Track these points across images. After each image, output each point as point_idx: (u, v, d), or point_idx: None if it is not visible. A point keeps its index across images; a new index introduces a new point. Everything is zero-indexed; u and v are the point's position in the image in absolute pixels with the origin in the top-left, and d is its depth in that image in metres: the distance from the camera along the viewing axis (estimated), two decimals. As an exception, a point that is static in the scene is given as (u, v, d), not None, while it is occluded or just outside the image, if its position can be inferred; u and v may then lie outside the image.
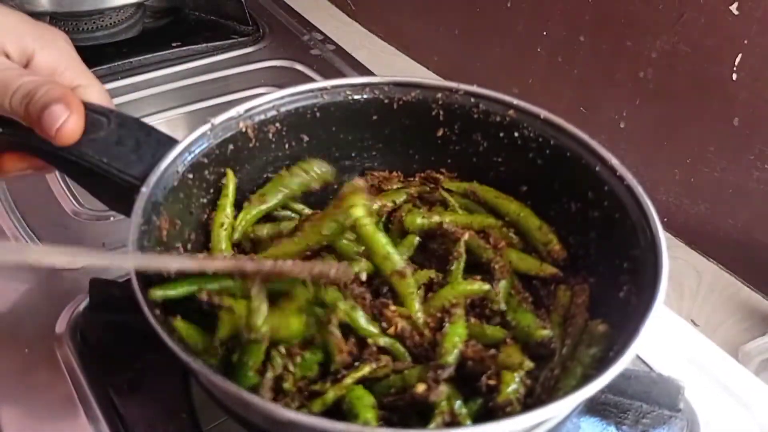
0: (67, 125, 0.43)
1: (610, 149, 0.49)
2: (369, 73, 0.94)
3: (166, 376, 0.53)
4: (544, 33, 0.84)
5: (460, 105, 0.55)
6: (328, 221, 0.48)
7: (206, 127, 0.50)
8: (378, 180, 0.59)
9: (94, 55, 0.87)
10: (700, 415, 0.54)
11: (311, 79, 0.92)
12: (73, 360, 0.55)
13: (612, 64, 0.78)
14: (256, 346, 0.43)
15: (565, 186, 0.52)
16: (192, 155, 0.49)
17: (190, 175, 0.49)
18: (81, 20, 0.93)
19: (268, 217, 0.55)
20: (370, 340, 0.45)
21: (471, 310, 0.49)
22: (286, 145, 0.56)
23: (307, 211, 0.56)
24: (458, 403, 0.41)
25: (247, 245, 0.53)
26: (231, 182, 0.52)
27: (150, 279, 0.41)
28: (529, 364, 0.43)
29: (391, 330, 0.45)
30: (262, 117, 0.53)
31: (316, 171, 0.55)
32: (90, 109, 0.46)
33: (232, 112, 0.52)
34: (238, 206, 0.53)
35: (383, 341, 0.45)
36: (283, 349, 0.43)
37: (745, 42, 0.65)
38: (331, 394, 0.41)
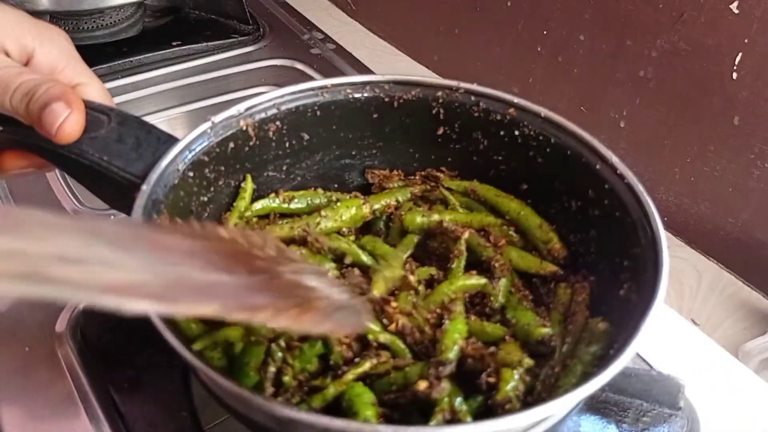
0: (67, 123, 0.43)
1: (610, 148, 0.49)
2: (369, 71, 0.94)
3: (166, 375, 0.53)
4: (544, 32, 0.84)
5: (461, 103, 0.55)
6: None
7: (207, 126, 0.50)
8: (379, 178, 0.59)
9: (94, 54, 0.87)
10: (700, 413, 0.53)
11: (312, 78, 0.92)
12: (74, 358, 0.55)
13: (612, 64, 0.78)
14: (257, 346, 0.43)
15: (566, 184, 0.52)
16: (192, 153, 0.49)
17: (191, 173, 0.49)
18: (81, 19, 0.93)
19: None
20: (370, 337, 0.45)
21: (471, 308, 0.49)
22: (287, 144, 0.56)
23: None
24: (459, 400, 0.41)
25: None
26: (249, 186, 0.54)
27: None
28: (528, 361, 0.43)
29: (392, 327, 0.45)
30: (263, 115, 0.53)
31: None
32: (90, 108, 0.46)
33: (233, 111, 0.52)
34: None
35: (384, 338, 0.45)
36: (282, 342, 0.43)
37: (746, 41, 0.65)
38: (332, 390, 0.41)
